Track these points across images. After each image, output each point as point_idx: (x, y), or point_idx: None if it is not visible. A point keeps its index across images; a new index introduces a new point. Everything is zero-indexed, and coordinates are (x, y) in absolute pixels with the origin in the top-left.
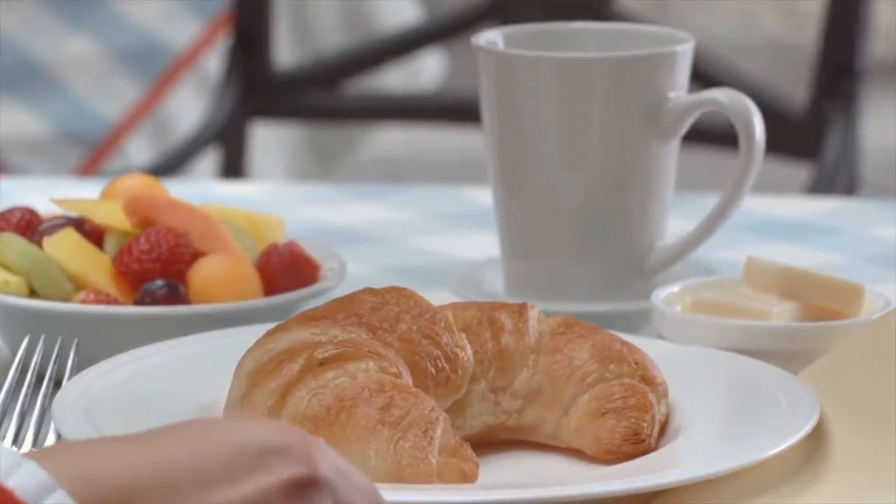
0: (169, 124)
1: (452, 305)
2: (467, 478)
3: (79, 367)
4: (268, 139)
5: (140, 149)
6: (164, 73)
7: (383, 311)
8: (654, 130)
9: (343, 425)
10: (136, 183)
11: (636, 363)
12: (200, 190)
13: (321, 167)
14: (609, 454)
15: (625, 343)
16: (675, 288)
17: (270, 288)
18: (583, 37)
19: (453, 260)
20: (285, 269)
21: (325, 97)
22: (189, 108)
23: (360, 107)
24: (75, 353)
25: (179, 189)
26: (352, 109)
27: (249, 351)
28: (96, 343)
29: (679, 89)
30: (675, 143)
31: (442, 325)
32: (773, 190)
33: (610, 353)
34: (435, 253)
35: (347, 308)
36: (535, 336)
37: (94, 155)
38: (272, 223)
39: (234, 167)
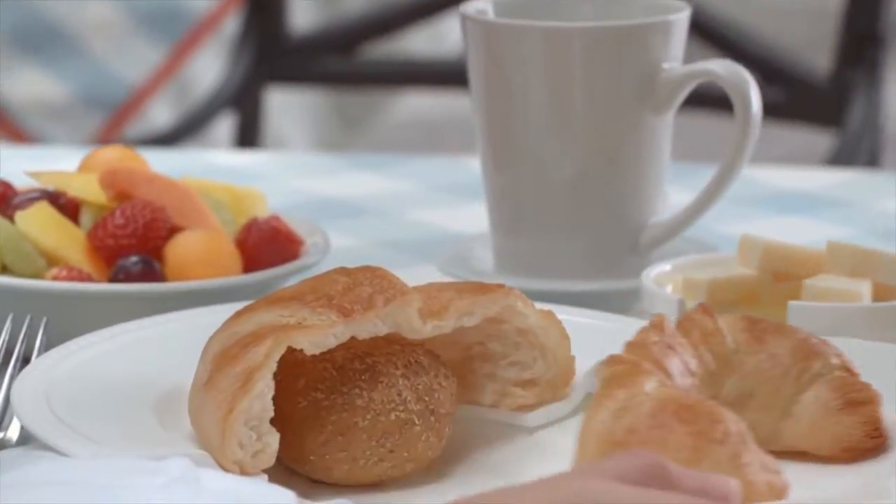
0: (190, 88)
1: (428, 286)
2: (778, 493)
3: (48, 347)
4: (291, 104)
5: (161, 113)
6: (186, 37)
7: (356, 292)
8: (648, 102)
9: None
10: (115, 155)
11: (838, 355)
12: (195, 159)
13: (346, 132)
14: (849, 451)
15: (812, 335)
16: (667, 266)
17: (250, 264)
18: (575, 5)
19: (450, 234)
20: (265, 244)
21: (343, 62)
22: (211, 71)
23: (378, 72)
24: (44, 332)
25: (175, 159)
26: (370, 74)
27: (216, 333)
28: (69, 321)
29: (674, 59)
30: (670, 115)
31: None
32: (795, 159)
33: (811, 348)
34: (431, 226)
35: (318, 289)
36: (732, 339)
37: (115, 119)
38: (254, 196)
39: (249, 133)
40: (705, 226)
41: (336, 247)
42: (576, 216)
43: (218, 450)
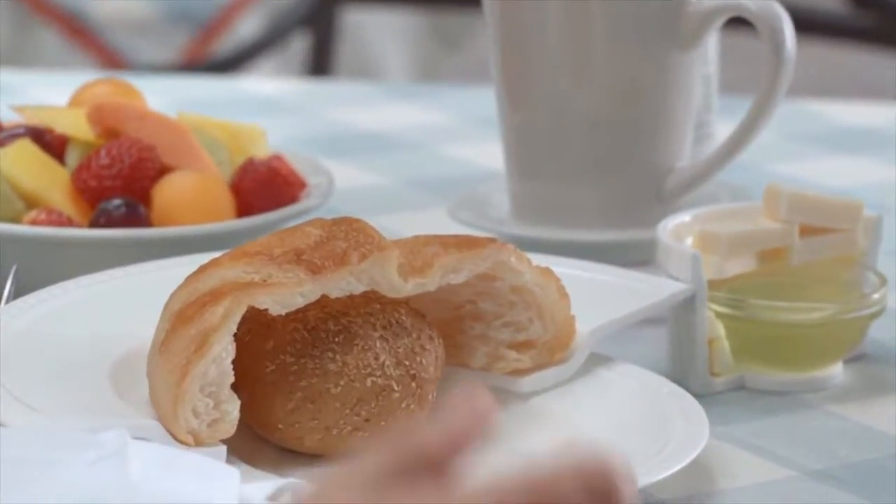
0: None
1: (412, 240)
2: None
3: (17, 296)
4: (389, 24)
5: (252, 29)
6: None
7: (328, 247)
8: (672, 37)
9: None
10: (109, 88)
11: None
12: (229, 88)
13: (445, 53)
14: None
15: None
16: (686, 217)
17: (244, 208)
18: None
19: (483, 171)
20: (261, 187)
21: None
22: None
23: None
24: (13, 282)
25: (205, 87)
26: None
27: (177, 289)
28: (46, 269)
29: None
30: (698, 52)
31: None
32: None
33: None
34: (465, 162)
35: (287, 242)
36: None
37: (204, 34)
38: (253, 134)
39: (323, 55)
40: (755, 166)
41: (358, 184)
42: (595, 159)
43: (170, 419)
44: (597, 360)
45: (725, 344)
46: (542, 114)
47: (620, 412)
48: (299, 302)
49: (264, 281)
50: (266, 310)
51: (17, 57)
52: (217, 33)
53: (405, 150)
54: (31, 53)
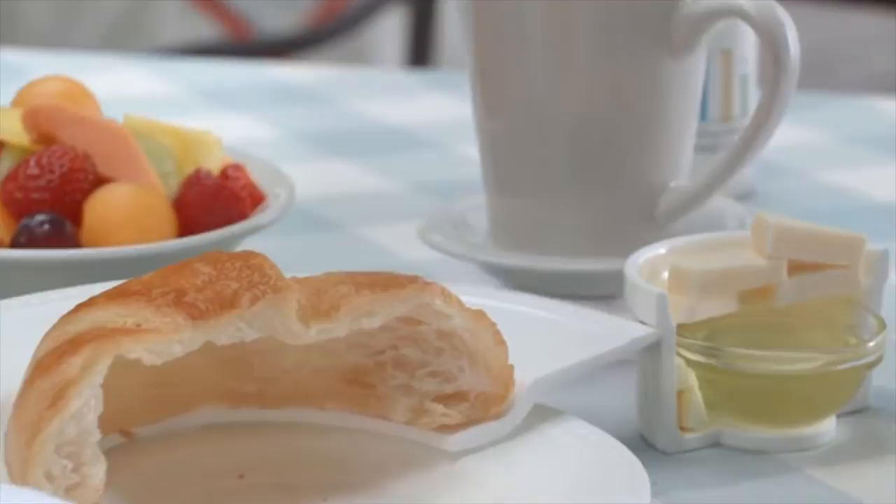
0: None
1: (321, 279)
2: None
3: None
4: None
5: None
6: None
7: (217, 288)
8: (664, 42)
9: None
10: (58, 88)
11: None
12: (251, 72)
13: None
14: None
15: None
16: (662, 249)
17: (188, 226)
18: None
19: None
20: (206, 201)
21: None
22: None
23: None
24: None
25: (228, 72)
26: None
27: (49, 331)
28: None
29: None
30: (694, 58)
31: None
32: None
33: None
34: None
35: (172, 281)
36: None
37: None
38: (206, 142)
39: (422, 30)
40: (802, 173)
41: (358, 188)
42: (579, 175)
43: (21, 484)
44: (541, 415)
45: (698, 396)
46: (521, 122)
47: (560, 477)
48: (177, 351)
49: (138, 326)
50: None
51: (135, 21)
52: None
53: (425, 148)
54: (150, 17)
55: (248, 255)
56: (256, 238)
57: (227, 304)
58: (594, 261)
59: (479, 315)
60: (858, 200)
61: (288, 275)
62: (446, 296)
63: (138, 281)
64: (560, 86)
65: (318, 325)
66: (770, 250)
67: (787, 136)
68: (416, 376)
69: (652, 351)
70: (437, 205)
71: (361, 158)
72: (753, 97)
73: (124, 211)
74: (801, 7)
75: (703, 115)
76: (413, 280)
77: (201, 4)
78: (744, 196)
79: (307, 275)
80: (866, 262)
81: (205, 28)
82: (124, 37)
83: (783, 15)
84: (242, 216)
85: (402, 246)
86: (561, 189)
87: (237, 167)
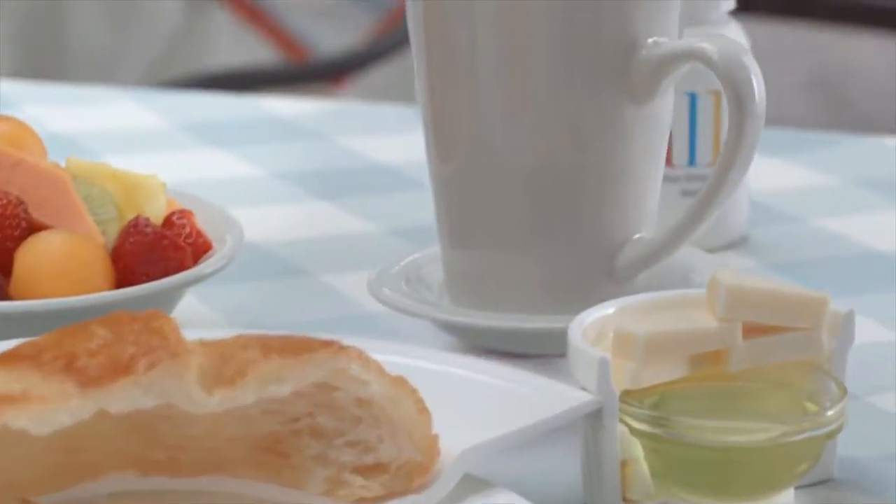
0: None
1: (229, 342)
2: None
3: None
4: None
5: None
6: None
7: (113, 352)
8: (623, 87)
9: None
10: (2, 129)
11: None
12: (248, 106)
13: None
14: None
15: None
16: (610, 309)
17: (126, 277)
18: None
19: None
20: (144, 252)
21: None
22: None
23: None
24: None
25: (218, 105)
26: None
27: None
28: None
29: (667, 32)
30: (658, 104)
31: None
32: None
33: None
34: None
35: (66, 344)
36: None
37: (389, 18)
38: (150, 186)
39: None
40: (802, 219)
41: (331, 232)
42: (535, 225)
43: None
44: (471, 487)
45: (644, 466)
46: (474, 168)
47: None
48: (65, 420)
49: (23, 393)
50: None
51: (187, 40)
52: (402, 16)
53: (412, 188)
54: (203, 37)
55: (149, 317)
56: (212, 286)
57: (121, 370)
58: (550, 318)
59: (400, 381)
60: (857, 249)
61: (236, 326)
62: (364, 361)
63: (31, 344)
64: (515, 131)
65: (221, 393)
66: (722, 313)
67: (787, 178)
68: (334, 446)
69: (593, 419)
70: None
71: (344, 199)
72: None
73: (57, 261)
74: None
75: (692, 159)
76: (327, 345)
77: (256, 23)
78: (735, 243)
79: (258, 325)
80: (830, 324)
81: (260, 50)
82: (177, 59)
83: (748, 60)
84: (182, 266)
85: (365, 295)
86: (516, 240)
87: (183, 213)
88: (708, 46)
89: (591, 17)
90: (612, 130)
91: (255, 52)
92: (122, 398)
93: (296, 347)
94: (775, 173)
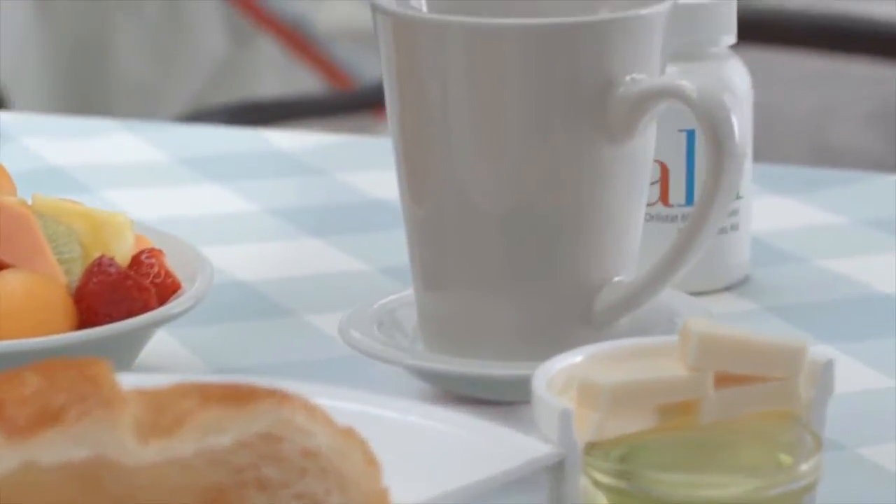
0: None
1: (167, 391)
2: None
3: None
4: None
5: None
6: None
7: (44, 400)
8: (600, 126)
9: None
10: None
11: None
12: (247, 138)
13: None
14: None
15: None
16: (578, 357)
17: (89, 318)
18: None
19: None
20: (107, 292)
21: None
22: None
23: None
24: None
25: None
26: None
27: None
28: None
29: (647, 69)
30: (637, 143)
31: None
32: None
33: None
34: None
35: None
36: None
37: None
38: (117, 224)
39: None
40: (805, 260)
41: (321, 270)
42: (510, 267)
43: None
44: None
45: None
46: (449, 209)
47: None
48: None
49: None
50: None
51: (231, 71)
52: None
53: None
54: (249, 66)
55: (84, 364)
56: (191, 326)
57: (50, 419)
58: (522, 365)
59: (348, 432)
60: (862, 291)
61: (212, 367)
62: (309, 411)
63: None
64: (489, 172)
65: (158, 443)
66: (693, 362)
67: (794, 217)
68: (280, 498)
69: (555, 472)
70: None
71: (338, 236)
72: (746, 175)
73: (16, 301)
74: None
75: (689, 198)
76: (271, 394)
77: (300, 53)
78: (735, 284)
79: (233, 366)
80: (808, 374)
81: (304, 79)
82: (222, 89)
83: (728, 99)
84: (147, 307)
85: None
86: (490, 284)
87: (152, 252)
88: (686, 84)
89: (565, 53)
90: (589, 170)
91: (299, 81)
92: (51, 449)
93: (238, 396)
94: (782, 212)
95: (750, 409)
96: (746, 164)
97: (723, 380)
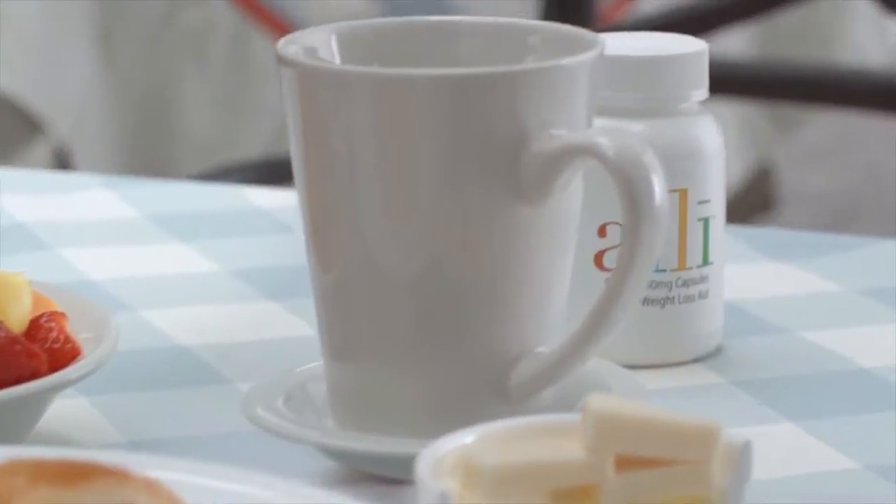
0: None
1: None
2: None
3: None
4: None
5: None
6: None
7: None
8: (513, 186)
9: None
10: None
11: None
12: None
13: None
14: None
15: None
16: (469, 437)
17: None
18: (455, 39)
19: None
20: None
21: None
22: None
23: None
24: None
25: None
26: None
27: None
28: None
29: (568, 124)
30: (554, 205)
31: None
32: None
33: None
34: None
35: None
36: None
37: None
38: (15, 286)
39: None
40: (789, 331)
41: (267, 335)
42: (421, 339)
43: None
44: None
45: None
46: (356, 273)
47: None
48: None
49: None
50: None
51: None
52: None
53: None
54: None
55: None
56: (114, 393)
57: None
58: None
59: None
60: (842, 366)
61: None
62: (153, 491)
63: None
64: (398, 233)
65: None
66: (589, 443)
67: (788, 284)
68: None
69: None
70: None
71: (295, 300)
72: (718, 241)
73: None
74: None
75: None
76: (110, 472)
77: None
78: (706, 356)
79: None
80: (724, 457)
81: None
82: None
83: (648, 157)
84: (37, 374)
85: None
86: (400, 354)
87: (53, 315)
88: (604, 141)
89: (477, 106)
90: (504, 232)
91: None
92: None
93: (72, 475)
94: (776, 279)
95: (656, 495)
96: (718, 226)
97: (627, 463)
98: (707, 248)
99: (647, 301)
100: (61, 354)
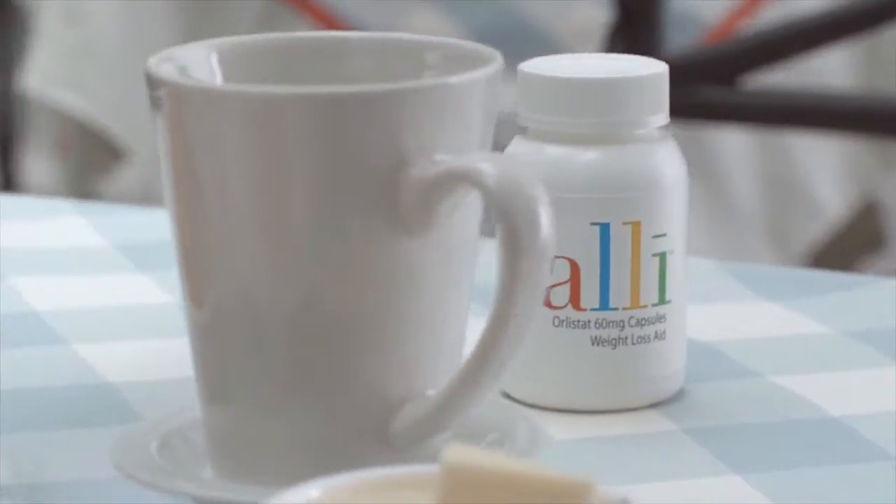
0: None
1: None
2: None
3: None
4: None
5: None
6: None
7: None
8: (394, 217)
9: None
10: None
11: None
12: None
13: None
14: None
15: None
16: (315, 490)
17: None
18: (350, 57)
19: None
20: None
21: (722, 93)
22: None
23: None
24: None
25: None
26: (752, 109)
27: None
28: None
29: (455, 148)
30: (437, 237)
31: None
32: None
33: None
34: None
35: None
36: None
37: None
38: None
39: None
40: (761, 374)
41: None
42: (297, 380)
43: None
44: None
45: None
46: (230, 311)
47: None
48: None
49: None
50: None
51: None
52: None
53: None
54: None
55: None
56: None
57: None
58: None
59: None
60: (808, 414)
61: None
62: None
63: None
64: (272, 265)
65: None
66: (439, 497)
67: (772, 325)
68: None
69: None
70: None
71: None
72: (678, 277)
73: None
74: None
75: (604, 302)
76: None
77: None
78: (664, 401)
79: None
80: None
81: None
82: None
83: (532, 186)
84: None
85: None
86: (277, 396)
87: None
88: (486, 168)
89: (353, 127)
90: (384, 264)
91: None
92: None
93: None
94: (761, 319)
95: None
96: (677, 262)
97: None
98: (664, 284)
99: (596, 340)
100: None
